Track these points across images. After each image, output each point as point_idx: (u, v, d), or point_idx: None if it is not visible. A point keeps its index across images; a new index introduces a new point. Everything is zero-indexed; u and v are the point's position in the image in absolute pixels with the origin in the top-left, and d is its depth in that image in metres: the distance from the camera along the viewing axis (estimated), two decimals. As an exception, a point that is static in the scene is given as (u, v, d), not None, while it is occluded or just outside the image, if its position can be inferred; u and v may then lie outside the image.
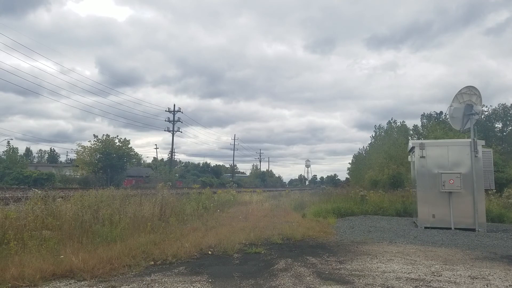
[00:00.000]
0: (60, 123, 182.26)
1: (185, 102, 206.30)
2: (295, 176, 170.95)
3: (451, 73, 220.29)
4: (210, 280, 4.99)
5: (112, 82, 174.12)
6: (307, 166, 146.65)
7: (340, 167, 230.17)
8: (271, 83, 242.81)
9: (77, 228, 7.39)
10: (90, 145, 48.00)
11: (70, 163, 74.81)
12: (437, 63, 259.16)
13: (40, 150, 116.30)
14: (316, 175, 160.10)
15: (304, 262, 6.16)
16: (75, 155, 50.83)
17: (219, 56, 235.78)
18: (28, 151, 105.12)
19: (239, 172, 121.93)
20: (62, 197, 9.57)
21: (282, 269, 5.68)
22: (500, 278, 5.19)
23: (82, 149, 47.92)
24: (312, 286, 4.75)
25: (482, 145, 11.01)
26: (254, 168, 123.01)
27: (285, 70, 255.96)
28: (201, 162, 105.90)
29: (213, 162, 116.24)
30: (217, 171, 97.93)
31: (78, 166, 49.31)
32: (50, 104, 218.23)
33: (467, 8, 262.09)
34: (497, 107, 44.29)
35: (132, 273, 5.32)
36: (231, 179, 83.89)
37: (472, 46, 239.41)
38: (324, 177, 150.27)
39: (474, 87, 11.55)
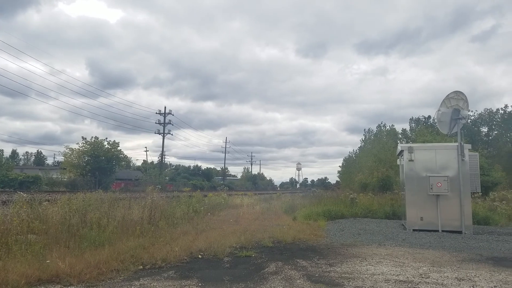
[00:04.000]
0: (47, 125, 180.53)
1: (177, 104, 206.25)
2: (286, 179, 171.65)
3: (439, 78, 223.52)
4: (200, 284, 4.97)
5: (102, 84, 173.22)
6: (298, 169, 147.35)
7: (330, 170, 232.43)
8: (263, 86, 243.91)
9: (64, 232, 7.30)
10: (78, 147, 47.47)
11: (58, 165, 73.88)
12: (426, 69, 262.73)
13: (26, 152, 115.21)
14: (307, 178, 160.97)
15: (294, 265, 6.16)
16: (63, 157, 50.23)
17: (212, 59, 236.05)
18: (14, 153, 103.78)
19: (230, 175, 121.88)
20: (48, 201, 9.45)
21: (273, 272, 5.68)
22: (485, 280, 5.26)
23: (70, 152, 47.35)
24: (302, 289, 4.75)
25: (469, 149, 11.17)
26: (245, 171, 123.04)
27: (277, 74, 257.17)
28: (192, 165, 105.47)
29: (204, 165, 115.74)
30: (208, 174, 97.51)
31: (65, 168, 48.64)
32: (38, 105, 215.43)
33: (454, 15, 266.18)
34: (483, 112, 44.87)
35: (120, 278, 5.27)
36: (222, 182, 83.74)
37: (459, 52, 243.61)
38: (315, 180, 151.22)
39: (461, 92, 11.71)
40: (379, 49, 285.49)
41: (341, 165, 56.91)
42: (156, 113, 61.91)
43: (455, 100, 11.69)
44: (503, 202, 15.72)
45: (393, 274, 5.55)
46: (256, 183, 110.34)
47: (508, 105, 43.74)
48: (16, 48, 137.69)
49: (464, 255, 7.36)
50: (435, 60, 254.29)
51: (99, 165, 47.20)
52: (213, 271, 5.81)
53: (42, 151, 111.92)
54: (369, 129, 45.37)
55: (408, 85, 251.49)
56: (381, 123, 42.89)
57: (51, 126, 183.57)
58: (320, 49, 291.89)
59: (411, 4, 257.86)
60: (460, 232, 10.60)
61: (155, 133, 61.84)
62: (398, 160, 13.70)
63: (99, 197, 9.91)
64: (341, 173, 51.82)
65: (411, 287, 4.86)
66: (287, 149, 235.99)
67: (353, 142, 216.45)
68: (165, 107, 62.52)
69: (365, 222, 13.39)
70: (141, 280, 5.14)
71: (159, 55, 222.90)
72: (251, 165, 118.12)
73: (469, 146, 11.26)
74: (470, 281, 5.19)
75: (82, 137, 48.49)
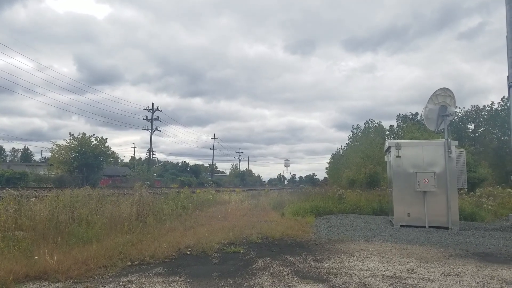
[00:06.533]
0: (35, 121, 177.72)
1: (165, 101, 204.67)
2: (274, 175, 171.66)
3: (426, 75, 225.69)
4: (188, 280, 4.96)
5: (90, 80, 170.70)
6: (286, 165, 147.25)
7: (318, 167, 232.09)
8: (252, 83, 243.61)
9: (52, 228, 7.23)
10: (66, 143, 46.96)
11: (45, 162, 72.94)
12: (413, 66, 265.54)
13: (13, 148, 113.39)
14: (295, 175, 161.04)
15: (282, 261, 6.19)
16: (50, 154, 49.61)
17: (200, 56, 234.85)
18: (0, 149, 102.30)
19: (218, 172, 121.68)
20: (35, 197, 9.33)
21: (261, 268, 5.70)
22: (472, 275, 5.35)
23: (57, 148, 46.82)
24: (291, 284, 4.78)
25: (456, 146, 11.30)
26: (234, 167, 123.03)
27: (266, 70, 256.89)
28: (180, 161, 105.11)
29: (192, 162, 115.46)
30: (196, 170, 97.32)
31: (52, 165, 48.12)
32: (25, 101, 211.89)
33: (441, 13, 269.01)
34: (469, 108, 45.44)
35: (109, 274, 5.24)
36: (210, 178, 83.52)
37: (446, 50, 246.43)
38: (303, 176, 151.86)
39: (448, 89, 11.84)
40: (367, 46, 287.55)
41: (329, 161, 57.44)
42: (144, 109, 61.41)
43: (442, 97, 11.82)
44: (490, 198, 15.99)
45: (381, 270, 5.60)
46: (244, 180, 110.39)
47: (494, 102, 44.42)
48: (3, 44, 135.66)
49: (450, 250, 7.47)
50: (423, 57, 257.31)
51: (87, 162, 46.79)
52: (202, 267, 5.81)
53: (29, 147, 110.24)
54: (357, 126, 45.98)
55: (396, 82, 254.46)
56: (369, 120, 43.45)
57: (38, 122, 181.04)
58: (308, 46, 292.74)
59: (398, 2, 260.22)
60: (447, 228, 10.75)
61: (142, 129, 61.36)
62: (385, 156, 13.83)
63: (86, 194, 9.82)
64: (329, 170, 52.23)
65: (398, 282, 4.92)
66: (275, 146, 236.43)
67: (341, 139, 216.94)
68: (152, 103, 61.85)
69: (352, 218, 13.50)
70: (129, 276, 5.12)
71: (147, 51, 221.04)
72: (240, 161, 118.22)
73: (456, 142, 11.40)
74: (456, 276, 5.27)
75: (70, 133, 48.06)
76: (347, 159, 37.33)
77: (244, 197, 23.25)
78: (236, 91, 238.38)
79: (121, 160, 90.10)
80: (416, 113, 44.87)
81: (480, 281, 5.00)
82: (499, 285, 4.84)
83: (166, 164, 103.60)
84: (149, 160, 67.07)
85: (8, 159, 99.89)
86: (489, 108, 43.99)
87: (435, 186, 10.88)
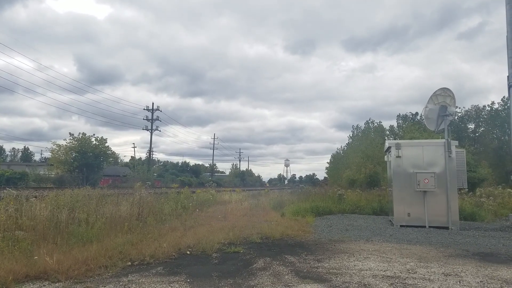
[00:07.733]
0: (35, 121, 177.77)
1: (166, 101, 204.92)
2: (274, 175, 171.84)
3: (426, 75, 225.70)
4: (188, 280, 4.96)
5: (90, 80, 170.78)
6: (286, 165, 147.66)
7: (318, 167, 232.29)
8: (252, 83, 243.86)
9: (52, 228, 7.23)
10: (66, 143, 46.95)
11: (45, 162, 72.93)
12: (413, 66, 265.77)
13: (13, 148, 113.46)
14: (295, 174, 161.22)
15: (282, 261, 6.19)
16: (50, 153, 49.60)
17: (200, 56, 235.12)
18: (0, 149, 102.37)
19: (218, 172, 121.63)
20: (35, 197, 9.33)
21: (261, 268, 5.70)
22: (472, 275, 5.34)
23: (57, 148, 46.81)
24: (291, 284, 4.78)
25: (456, 146, 11.29)
26: (234, 167, 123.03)
27: (266, 70, 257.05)
28: (180, 161, 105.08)
29: (192, 162, 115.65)
30: (196, 170, 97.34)
31: (52, 165, 48.11)
32: (25, 101, 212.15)
33: (441, 13, 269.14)
34: (470, 108, 45.42)
35: (109, 274, 5.23)
36: (210, 178, 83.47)
37: (446, 50, 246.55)
38: (303, 176, 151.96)
39: (448, 89, 11.84)
40: (367, 46, 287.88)
41: (329, 161, 57.36)
42: (144, 109, 61.30)
43: (442, 97, 11.81)
44: (490, 198, 15.98)
45: (381, 270, 5.60)
46: (244, 180, 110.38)
47: (494, 102, 44.39)
48: (3, 44, 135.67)
49: (450, 250, 7.46)
50: (423, 57, 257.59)
51: (87, 162, 46.77)
52: (202, 267, 5.81)
53: (29, 147, 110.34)
54: (357, 126, 45.99)
55: (396, 82, 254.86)
56: (369, 120, 43.45)
57: (39, 122, 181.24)
58: (308, 46, 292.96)
59: (398, 2, 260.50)
60: (447, 228, 10.75)
61: (142, 129, 61.26)
62: (385, 156, 13.82)
63: (86, 194, 9.82)
64: (329, 170, 52.18)
65: (398, 282, 4.91)
66: (275, 146, 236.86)
67: (341, 139, 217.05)
68: (152, 103, 61.73)
69: (353, 218, 13.51)
70: (129, 276, 5.11)
71: (147, 51, 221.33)
72: (240, 161, 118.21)
73: (456, 142, 11.40)
74: (456, 276, 5.27)
75: (70, 133, 48.03)
76: (347, 159, 37.31)
77: (244, 197, 23.22)
78: (236, 91, 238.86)
79: (121, 160, 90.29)
80: (416, 113, 44.92)
81: (480, 281, 5.00)
82: (499, 285, 4.84)
83: (166, 164, 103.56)
84: (149, 160, 66.99)
85: (8, 159, 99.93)
86: (489, 108, 44.05)
87: (435, 186, 10.88)
